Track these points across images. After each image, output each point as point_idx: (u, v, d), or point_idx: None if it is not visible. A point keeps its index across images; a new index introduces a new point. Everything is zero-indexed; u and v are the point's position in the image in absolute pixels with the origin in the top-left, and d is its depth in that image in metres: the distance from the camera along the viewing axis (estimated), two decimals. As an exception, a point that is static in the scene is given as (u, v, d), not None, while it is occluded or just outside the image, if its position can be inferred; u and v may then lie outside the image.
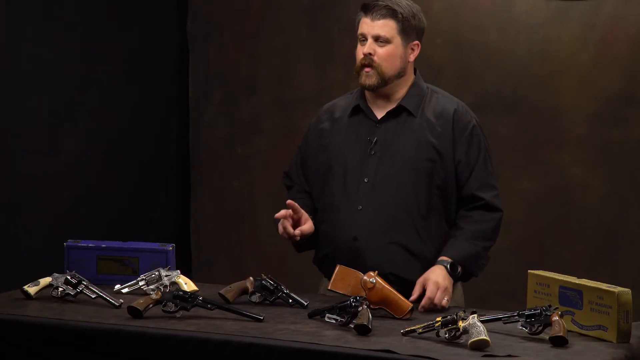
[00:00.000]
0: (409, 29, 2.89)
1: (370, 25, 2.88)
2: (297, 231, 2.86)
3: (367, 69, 2.89)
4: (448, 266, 2.78)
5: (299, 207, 2.88)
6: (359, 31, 2.92)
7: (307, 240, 2.98)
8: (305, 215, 2.91)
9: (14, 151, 3.74)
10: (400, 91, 2.95)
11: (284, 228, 2.87)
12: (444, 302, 2.72)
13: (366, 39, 2.89)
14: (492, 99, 4.17)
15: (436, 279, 2.74)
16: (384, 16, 2.87)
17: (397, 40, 2.88)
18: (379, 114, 2.95)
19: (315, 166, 3.03)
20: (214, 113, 4.67)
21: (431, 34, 4.17)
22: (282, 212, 2.86)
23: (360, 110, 2.98)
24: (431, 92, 2.97)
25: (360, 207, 2.89)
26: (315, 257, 3.03)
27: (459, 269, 2.81)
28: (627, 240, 4.05)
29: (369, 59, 2.88)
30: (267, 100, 4.57)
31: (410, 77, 2.97)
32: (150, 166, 4.50)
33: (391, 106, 2.94)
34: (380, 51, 2.87)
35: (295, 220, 2.89)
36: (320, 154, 3.01)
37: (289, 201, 2.88)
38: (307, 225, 2.91)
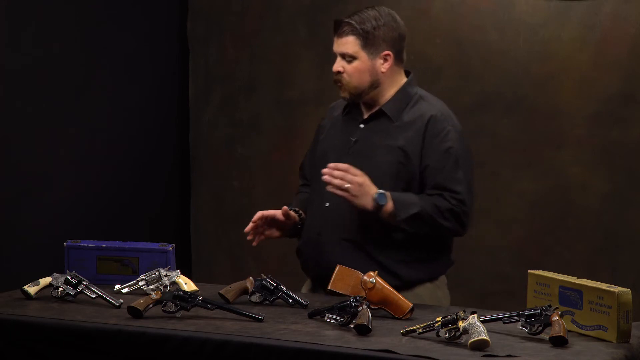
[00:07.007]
0: (374, 42, 2.91)
1: (336, 44, 2.96)
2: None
3: (339, 84, 2.96)
4: (377, 194, 2.79)
5: (289, 211, 3.00)
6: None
7: (300, 225, 3.06)
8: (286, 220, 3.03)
9: (14, 151, 3.74)
10: (385, 96, 2.97)
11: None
12: (336, 181, 2.78)
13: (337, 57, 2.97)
14: (492, 99, 4.17)
15: (364, 179, 2.79)
16: (346, 33, 2.93)
17: (362, 55, 2.92)
18: (365, 115, 3.00)
19: (313, 161, 3.11)
20: (214, 113, 4.67)
21: (431, 34, 4.19)
22: (249, 226, 3.00)
23: (350, 110, 3.04)
24: (418, 97, 2.97)
25: (328, 204, 2.96)
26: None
27: (388, 201, 2.79)
28: (627, 240, 4.04)
29: (338, 76, 2.95)
30: (267, 100, 4.57)
31: (395, 83, 2.97)
32: (150, 166, 4.50)
33: (376, 109, 2.99)
34: (348, 68, 2.94)
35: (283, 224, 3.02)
36: (317, 149, 3.10)
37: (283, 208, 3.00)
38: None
